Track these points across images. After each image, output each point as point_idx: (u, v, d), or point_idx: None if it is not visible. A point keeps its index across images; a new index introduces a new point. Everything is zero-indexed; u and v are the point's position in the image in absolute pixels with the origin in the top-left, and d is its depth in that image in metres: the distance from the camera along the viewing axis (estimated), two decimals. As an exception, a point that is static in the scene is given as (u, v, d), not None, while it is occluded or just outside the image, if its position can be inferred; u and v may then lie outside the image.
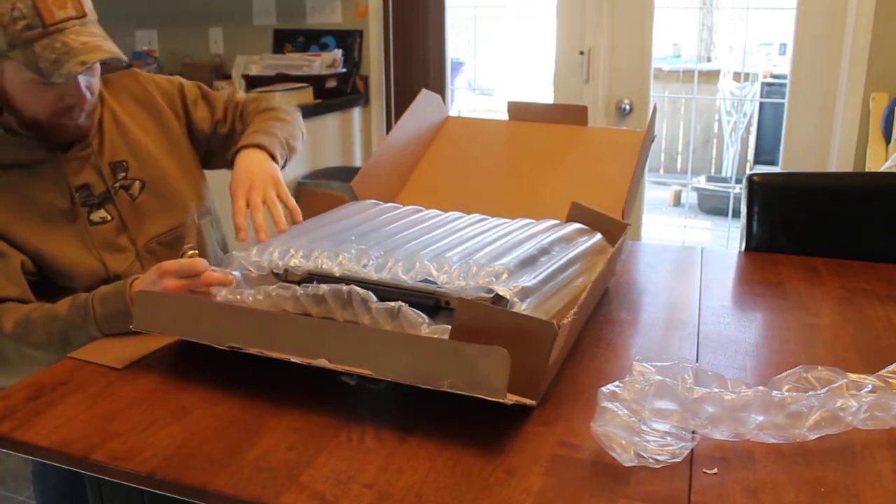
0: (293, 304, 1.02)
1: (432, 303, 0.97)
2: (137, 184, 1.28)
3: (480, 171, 1.50)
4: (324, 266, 1.03)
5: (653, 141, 1.40)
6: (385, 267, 1.00)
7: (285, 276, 1.08)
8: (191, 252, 1.07)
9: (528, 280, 0.96)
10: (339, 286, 0.98)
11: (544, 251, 1.07)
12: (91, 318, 1.08)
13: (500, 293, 0.92)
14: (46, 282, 1.19)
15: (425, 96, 1.55)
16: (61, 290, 1.16)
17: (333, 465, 0.77)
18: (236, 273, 1.07)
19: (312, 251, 1.05)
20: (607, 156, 1.47)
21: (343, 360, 0.84)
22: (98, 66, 1.19)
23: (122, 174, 1.27)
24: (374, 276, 1.00)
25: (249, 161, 1.25)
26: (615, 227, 1.19)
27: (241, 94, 1.46)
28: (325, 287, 0.98)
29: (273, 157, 1.28)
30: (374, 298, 0.95)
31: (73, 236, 1.20)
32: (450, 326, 0.86)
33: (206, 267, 1.04)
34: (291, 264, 1.05)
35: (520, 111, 1.59)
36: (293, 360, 0.86)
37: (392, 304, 0.93)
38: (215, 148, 1.42)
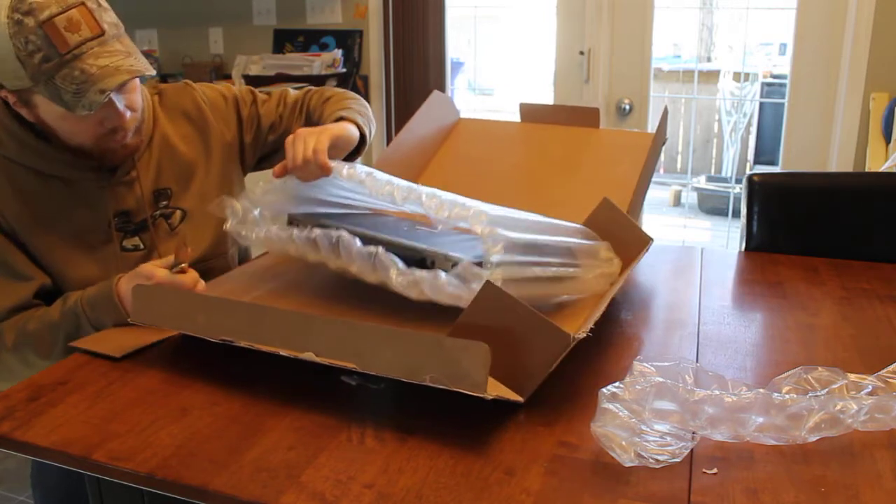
0: (294, 248, 1.06)
1: (419, 258, 1.00)
2: (179, 213, 1.26)
3: (491, 173, 1.49)
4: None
5: (664, 143, 1.38)
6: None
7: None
8: (180, 266, 1.08)
9: (512, 235, 0.98)
10: (329, 231, 1.01)
11: (543, 230, 1.08)
12: (85, 320, 1.08)
13: (477, 232, 0.95)
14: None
15: (436, 97, 1.54)
16: None
17: (333, 465, 0.77)
18: None
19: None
20: (619, 158, 1.45)
21: (329, 353, 0.84)
22: (134, 81, 1.12)
23: (165, 202, 1.25)
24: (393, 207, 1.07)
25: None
26: (633, 236, 1.17)
27: (292, 93, 1.41)
28: (318, 231, 1.02)
29: (355, 123, 1.24)
30: (359, 243, 0.98)
31: (97, 263, 1.18)
32: (424, 275, 0.92)
33: (194, 285, 1.05)
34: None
35: (531, 113, 1.58)
36: (282, 353, 0.86)
37: (371, 248, 0.97)
38: (270, 151, 1.40)
